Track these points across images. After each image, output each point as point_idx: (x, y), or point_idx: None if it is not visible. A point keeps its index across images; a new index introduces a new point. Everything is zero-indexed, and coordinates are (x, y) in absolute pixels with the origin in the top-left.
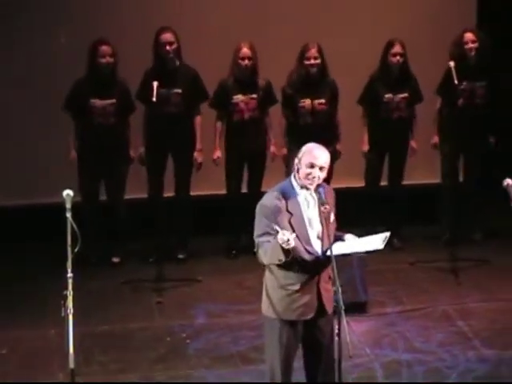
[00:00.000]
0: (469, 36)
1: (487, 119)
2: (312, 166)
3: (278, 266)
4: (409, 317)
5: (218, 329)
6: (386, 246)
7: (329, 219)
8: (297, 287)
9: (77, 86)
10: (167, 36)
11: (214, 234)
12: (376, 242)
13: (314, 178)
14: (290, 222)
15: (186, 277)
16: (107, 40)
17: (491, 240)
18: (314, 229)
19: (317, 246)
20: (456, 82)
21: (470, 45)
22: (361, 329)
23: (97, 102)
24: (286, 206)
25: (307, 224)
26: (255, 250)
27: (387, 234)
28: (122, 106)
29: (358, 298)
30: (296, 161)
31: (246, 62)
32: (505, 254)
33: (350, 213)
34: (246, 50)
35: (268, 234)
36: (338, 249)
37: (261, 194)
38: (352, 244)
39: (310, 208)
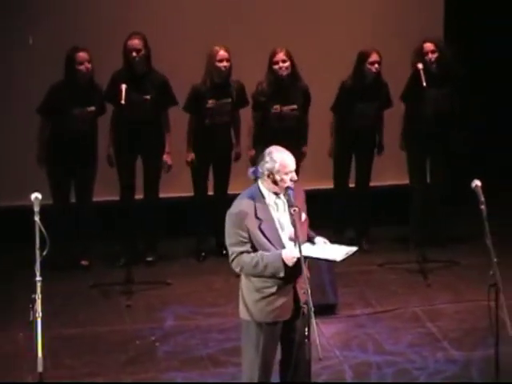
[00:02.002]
0: (428, 46)
1: (451, 125)
2: (291, 171)
3: None
4: (378, 318)
5: (187, 331)
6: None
7: (300, 218)
8: (273, 290)
9: (54, 91)
10: (135, 43)
11: (183, 236)
12: (339, 252)
13: (294, 181)
14: (260, 228)
15: (155, 279)
16: (84, 47)
17: (459, 242)
18: (286, 231)
19: (287, 245)
20: (424, 83)
21: (430, 55)
22: (330, 331)
23: (77, 110)
24: (255, 212)
25: (278, 228)
26: (230, 259)
27: (354, 248)
28: (99, 111)
29: (328, 300)
30: (266, 172)
31: (225, 63)
32: (472, 255)
33: (318, 214)
34: (223, 53)
35: (241, 242)
36: (305, 251)
37: (228, 196)
38: (317, 249)
39: (279, 211)
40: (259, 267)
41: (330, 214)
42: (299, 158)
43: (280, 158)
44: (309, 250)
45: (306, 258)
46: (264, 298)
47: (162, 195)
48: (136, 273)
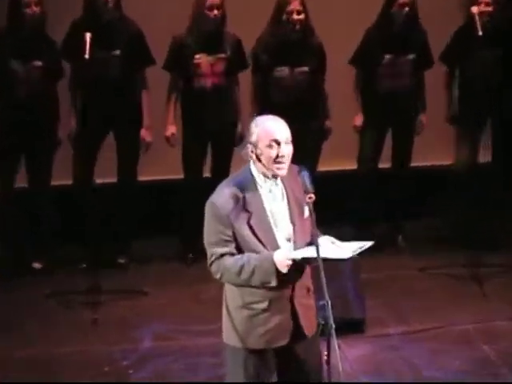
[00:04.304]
0: None
1: (503, 93)
2: (276, 142)
3: None
4: (417, 338)
5: (169, 354)
6: (387, 246)
7: (302, 214)
8: (264, 305)
9: None
10: None
11: (164, 232)
12: (348, 249)
13: (283, 157)
14: (249, 223)
15: (128, 288)
16: None
17: None
18: (282, 229)
19: (284, 247)
20: (480, 31)
21: (483, 7)
22: (355, 353)
23: (19, 65)
24: (244, 203)
25: (272, 224)
26: (208, 262)
27: (368, 243)
28: (50, 70)
29: (352, 315)
30: (250, 147)
31: (215, 12)
32: None
33: (339, 202)
34: None
35: (224, 242)
36: (303, 252)
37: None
38: (321, 249)
39: (276, 202)
40: (244, 273)
41: (353, 204)
42: (320, 135)
43: (262, 123)
44: (309, 250)
45: (305, 260)
46: (253, 316)
47: (140, 179)
48: (104, 279)
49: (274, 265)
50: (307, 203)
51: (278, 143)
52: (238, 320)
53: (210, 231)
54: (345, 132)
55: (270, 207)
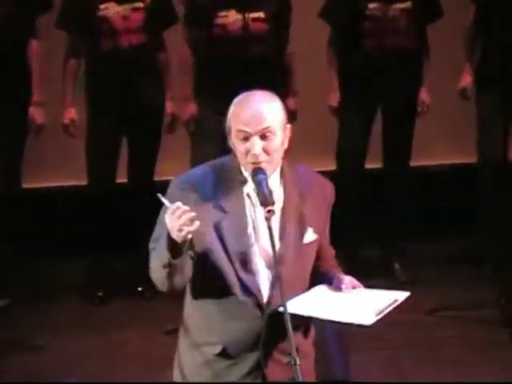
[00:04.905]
0: None
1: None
2: (244, 135)
3: (195, 307)
4: None
5: None
6: (379, 277)
7: (301, 236)
8: (218, 349)
9: None
10: None
11: (65, 255)
12: (374, 306)
13: (255, 156)
14: (217, 226)
15: (13, 336)
16: None
17: None
18: (263, 248)
19: (262, 278)
20: None
21: None
22: None
23: None
24: (219, 198)
25: (251, 234)
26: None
27: (405, 294)
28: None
29: (334, 376)
30: (227, 130)
31: None
32: None
33: None
34: None
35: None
36: (300, 305)
37: (152, 186)
38: (334, 300)
39: (260, 207)
40: (153, 259)
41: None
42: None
43: (236, 102)
44: (316, 300)
45: (304, 317)
46: (207, 363)
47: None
48: None
49: (167, 233)
50: (266, 218)
51: (247, 137)
52: (188, 366)
53: (160, 220)
54: (318, 117)
55: (254, 214)
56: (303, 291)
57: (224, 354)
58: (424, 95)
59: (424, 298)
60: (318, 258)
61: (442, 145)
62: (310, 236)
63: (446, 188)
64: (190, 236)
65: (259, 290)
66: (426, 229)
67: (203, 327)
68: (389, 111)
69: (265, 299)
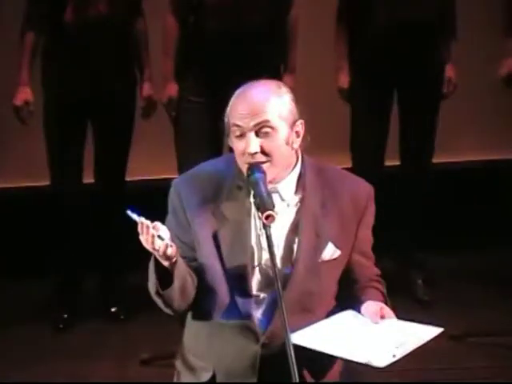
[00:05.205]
0: None
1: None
2: (241, 132)
3: (189, 327)
4: None
5: None
6: (398, 294)
7: (319, 251)
8: (208, 376)
9: None
10: None
11: (22, 273)
12: (393, 342)
13: (251, 155)
14: (215, 237)
15: None
16: None
17: None
18: (266, 263)
19: (261, 301)
20: None
21: None
22: None
23: None
24: (219, 203)
25: (254, 245)
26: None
27: (437, 330)
28: None
29: None
30: (226, 127)
31: None
32: None
33: None
34: None
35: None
36: (307, 335)
37: (123, 189)
38: (353, 331)
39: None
40: (148, 284)
41: None
42: None
43: (233, 98)
44: (328, 331)
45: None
46: None
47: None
48: None
49: (153, 259)
50: (263, 226)
51: (242, 133)
52: None
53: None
54: (330, 104)
55: (259, 224)
56: (320, 317)
57: (215, 381)
58: (450, 72)
59: (449, 320)
60: (350, 278)
61: (471, 139)
62: (329, 252)
63: (474, 190)
64: (170, 252)
65: (254, 316)
66: (450, 237)
67: (197, 350)
68: (406, 96)
69: (262, 325)
